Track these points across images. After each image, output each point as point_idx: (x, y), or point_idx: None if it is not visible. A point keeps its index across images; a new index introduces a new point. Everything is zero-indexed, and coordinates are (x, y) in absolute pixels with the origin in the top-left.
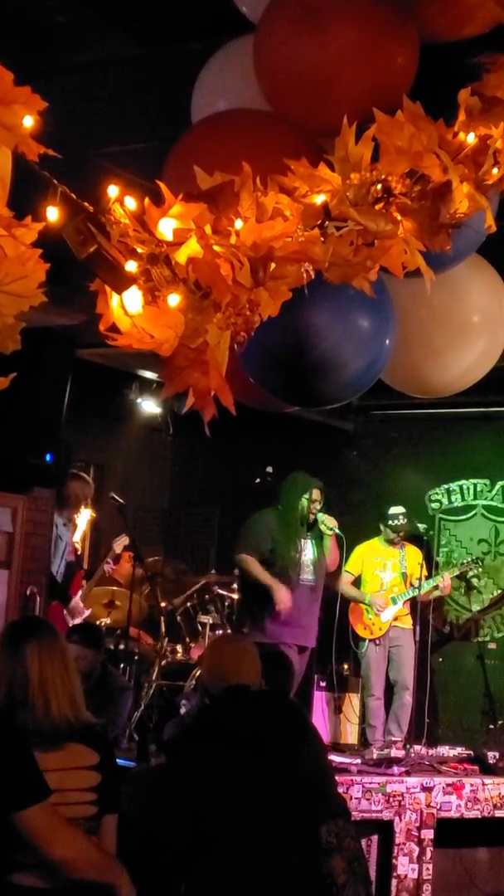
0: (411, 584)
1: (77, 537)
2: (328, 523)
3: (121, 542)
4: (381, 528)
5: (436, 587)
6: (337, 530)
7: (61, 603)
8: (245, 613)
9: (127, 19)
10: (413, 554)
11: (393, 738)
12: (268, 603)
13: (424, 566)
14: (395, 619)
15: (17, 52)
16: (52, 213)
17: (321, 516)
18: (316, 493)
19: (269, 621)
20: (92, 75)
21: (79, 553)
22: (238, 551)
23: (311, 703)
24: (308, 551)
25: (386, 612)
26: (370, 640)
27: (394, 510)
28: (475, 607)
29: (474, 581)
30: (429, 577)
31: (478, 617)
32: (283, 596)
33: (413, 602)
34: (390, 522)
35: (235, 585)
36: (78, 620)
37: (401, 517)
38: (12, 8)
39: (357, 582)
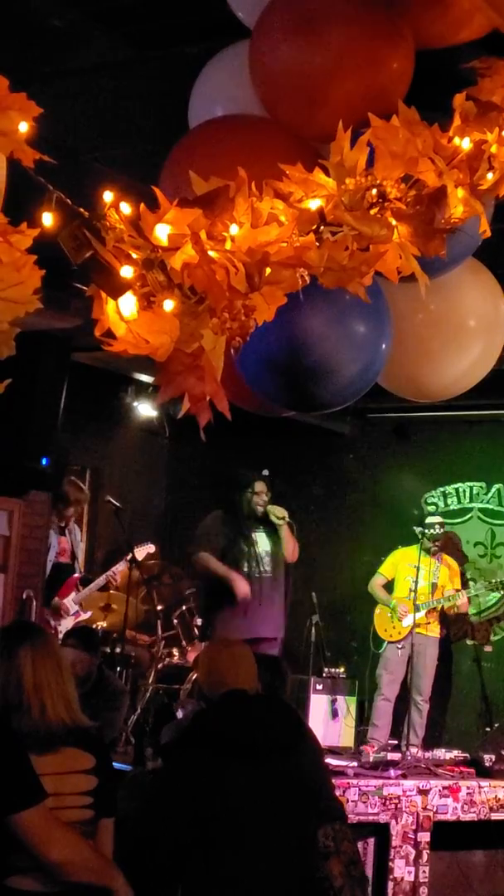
0: (437, 596)
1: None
2: (277, 514)
3: (144, 549)
4: (419, 536)
5: (456, 603)
6: (288, 519)
7: (42, 605)
8: (206, 611)
9: (123, 23)
10: (449, 566)
11: (411, 743)
12: (228, 597)
13: (459, 581)
14: (419, 626)
15: (14, 56)
16: (48, 219)
17: (270, 507)
18: (260, 486)
19: (231, 615)
20: (89, 79)
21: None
22: (193, 550)
23: (307, 706)
24: (263, 544)
25: (407, 618)
26: (390, 643)
27: (430, 519)
28: (472, 610)
29: (471, 585)
30: (459, 590)
31: (474, 620)
32: (241, 585)
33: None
34: (427, 531)
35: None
36: (65, 621)
37: (437, 526)
38: (8, 12)
39: (389, 586)
